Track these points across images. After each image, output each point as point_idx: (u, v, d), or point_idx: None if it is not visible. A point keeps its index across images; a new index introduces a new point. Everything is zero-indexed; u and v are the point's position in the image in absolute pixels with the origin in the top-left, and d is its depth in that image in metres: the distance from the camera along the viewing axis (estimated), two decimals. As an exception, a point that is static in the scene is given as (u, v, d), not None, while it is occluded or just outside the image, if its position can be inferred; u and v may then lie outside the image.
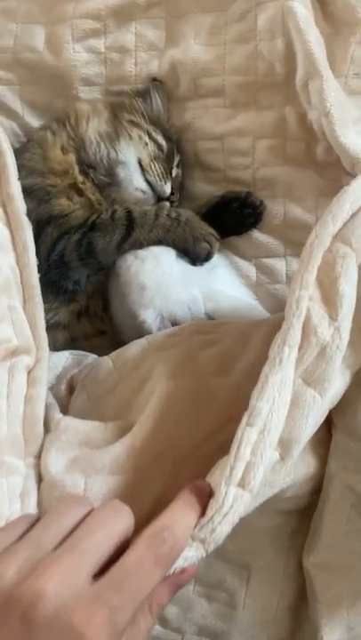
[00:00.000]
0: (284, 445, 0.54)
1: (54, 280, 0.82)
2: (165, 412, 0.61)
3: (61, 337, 0.86)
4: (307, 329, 0.55)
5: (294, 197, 0.91)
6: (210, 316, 0.80)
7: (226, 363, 0.65)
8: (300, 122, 0.89)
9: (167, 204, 0.89)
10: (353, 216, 0.59)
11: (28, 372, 0.70)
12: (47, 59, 0.93)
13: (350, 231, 0.58)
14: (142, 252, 0.81)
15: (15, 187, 0.77)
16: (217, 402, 0.62)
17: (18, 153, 0.90)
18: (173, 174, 0.91)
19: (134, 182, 0.88)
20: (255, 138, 0.91)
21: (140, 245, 0.82)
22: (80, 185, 0.87)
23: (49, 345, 0.77)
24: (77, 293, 0.85)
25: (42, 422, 0.66)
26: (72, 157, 0.88)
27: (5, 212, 0.75)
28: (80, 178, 0.87)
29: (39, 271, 0.81)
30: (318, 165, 0.90)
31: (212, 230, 0.86)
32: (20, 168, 0.86)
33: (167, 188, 0.89)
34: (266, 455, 0.51)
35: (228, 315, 0.81)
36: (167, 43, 0.92)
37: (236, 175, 0.92)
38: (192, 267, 0.84)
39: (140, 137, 0.90)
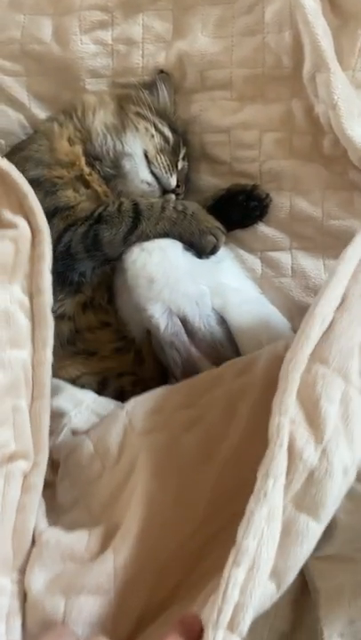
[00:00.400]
0: (280, 575, 0.52)
1: (60, 271, 0.82)
2: (149, 518, 0.59)
3: (66, 328, 0.86)
4: (292, 453, 0.53)
5: (300, 190, 0.91)
6: (217, 313, 0.79)
7: (210, 446, 0.62)
8: (307, 115, 0.89)
9: (173, 196, 0.89)
10: (326, 332, 0.57)
11: (24, 477, 0.67)
12: (54, 50, 0.93)
13: (327, 350, 0.56)
14: (149, 245, 0.81)
15: (47, 280, 0.74)
16: (202, 496, 0.60)
17: (25, 144, 0.91)
18: (179, 167, 0.92)
19: (140, 174, 0.88)
20: (262, 131, 0.91)
21: (147, 238, 0.82)
22: (87, 177, 0.88)
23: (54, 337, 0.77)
24: (83, 285, 0.85)
25: (31, 534, 0.64)
26: (79, 149, 0.89)
27: (31, 303, 0.73)
28: (87, 169, 0.88)
29: None
30: (325, 158, 0.90)
31: (218, 224, 0.86)
32: (26, 160, 0.86)
33: (173, 181, 0.89)
34: (256, 594, 0.49)
35: (235, 311, 0.80)
36: (174, 35, 0.92)
37: (243, 168, 0.92)
38: (198, 260, 0.83)
39: (146, 129, 0.90)
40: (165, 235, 0.82)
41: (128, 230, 0.81)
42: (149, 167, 0.88)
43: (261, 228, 0.93)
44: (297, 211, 0.91)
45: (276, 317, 0.85)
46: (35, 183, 0.83)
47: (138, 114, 0.91)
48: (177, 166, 0.91)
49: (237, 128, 0.91)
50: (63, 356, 0.85)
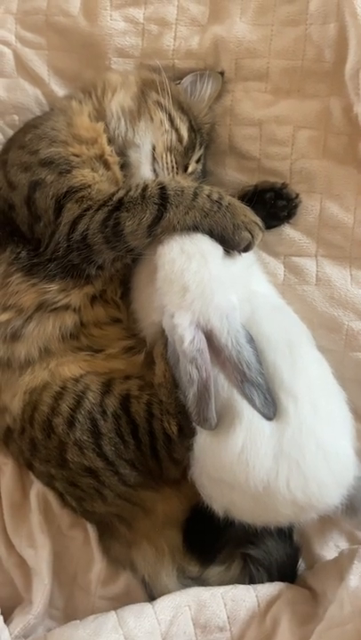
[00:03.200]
0: None
1: (76, 263, 0.77)
2: None
3: (70, 321, 0.81)
4: None
5: (332, 194, 0.87)
6: (246, 330, 0.73)
7: None
8: (345, 114, 0.86)
9: (203, 186, 0.78)
10: None
11: None
12: (81, 24, 0.89)
13: None
14: (190, 248, 0.74)
15: None
16: None
17: (39, 121, 0.86)
18: (190, 170, 0.87)
19: (142, 169, 0.83)
20: (296, 127, 0.87)
21: (174, 229, 0.75)
22: (108, 157, 0.82)
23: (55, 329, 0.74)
24: (98, 278, 0.80)
25: None
26: (101, 126, 0.84)
27: None
28: (108, 149, 0.83)
29: (58, 251, 0.76)
30: (359, 162, 0.86)
31: (256, 218, 0.77)
32: (40, 138, 0.81)
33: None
34: None
35: (264, 318, 0.75)
36: (210, 19, 0.89)
37: (273, 165, 0.89)
38: (232, 265, 0.77)
39: (161, 122, 0.85)
40: (195, 227, 0.75)
41: (153, 219, 0.74)
42: (153, 164, 0.83)
43: (287, 230, 0.89)
44: (327, 215, 0.87)
45: (300, 326, 0.81)
46: (47, 163, 0.78)
47: (157, 103, 0.86)
48: (186, 169, 0.86)
49: (270, 122, 0.88)
50: (63, 350, 0.80)
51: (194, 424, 0.72)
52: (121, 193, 0.76)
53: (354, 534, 0.86)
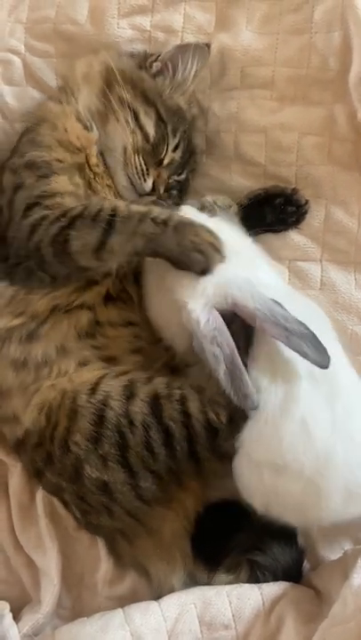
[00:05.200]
0: None
1: (31, 269, 0.79)
2: None
3: (85, 318, 0.82)
4: None
5: (337, 200, 0.90)
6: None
7: None
8: (349, 121, 0.89)
9: (155, 209, 0.77)
10: None
11: None
12: (89, 32, 0.93)
13: None
14: None
15: None
16: None
17: (33, 126, 0.87)
18: (165, 162, 0.87)
19: (117, 177, 0.85)
20: (301, 134, 0.90)
21: (118, 255, 0.74)
22: (91, 167, 0.84)
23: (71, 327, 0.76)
24: (108, 277, 0.80)
25: None
26: (94, 136, 0.85)
27: None
28: (95, 160, 0.84)
29: (19, 255, 0.79)
30: (364, 168, 0.89)
31: (211, 238, 0.74)
32: (30, 141, 0.84)
33: (147, 186, 0.85)
34: None
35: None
36: (217, 27, 0.92)
37: (278, 172, 0.91)
38: (236, 253, 0.79)
39: (127, 121, 0.85)
40: (137, 254, 0.75)
41: (98, 243, 0.74)
42: (125, 169, 0.84)
43: (292, 235, 0.92)
44: (332, 221, 0.90)
45: (320, 316, 0.83)
46: (30, 166, 0.80)
47: (120, 100, 0.85)
48: (161, 163, 0.86)
49: (275, 129, 0.91)
50: (80, 350, 0.81)
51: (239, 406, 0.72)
52: (77, 210, 0.76)
53: (359, 537, 0.88)
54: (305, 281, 0.91)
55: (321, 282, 0.91)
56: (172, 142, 0.88)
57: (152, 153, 0.86)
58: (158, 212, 0.76)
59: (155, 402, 0.75)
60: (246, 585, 0.80)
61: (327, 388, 0.73)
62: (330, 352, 0.71)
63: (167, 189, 0.88)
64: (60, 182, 0.81)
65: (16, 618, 0.85)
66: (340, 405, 0.72)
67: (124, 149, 0.84)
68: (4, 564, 0.92)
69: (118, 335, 0.84)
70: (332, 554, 0.87)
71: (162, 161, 0.87)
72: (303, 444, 0.71)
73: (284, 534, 0.82)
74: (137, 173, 0.84)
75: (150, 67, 0.89)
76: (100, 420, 0.75)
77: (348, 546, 0.87)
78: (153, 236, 0.73)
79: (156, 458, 0.74)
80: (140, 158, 0.84)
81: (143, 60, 0.89)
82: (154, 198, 0.85)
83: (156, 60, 0.89)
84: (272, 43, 0.89)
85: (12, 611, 0.85)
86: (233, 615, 0.77)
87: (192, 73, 0.89)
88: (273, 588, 0.79)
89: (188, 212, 0.83)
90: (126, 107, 0.85)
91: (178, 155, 0.88)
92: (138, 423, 0.74)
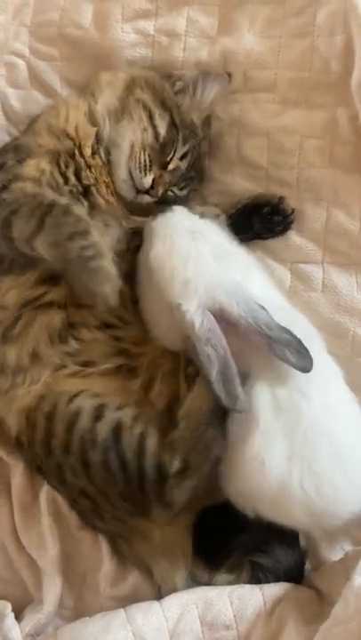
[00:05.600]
0: None
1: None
2: None
3: (57, 318, 0.81)
4: None
5: (338, 202, 0.91)
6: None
7: None
8: (351, 124, 0.89)
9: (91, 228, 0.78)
10: None
11: None
12: (93, 36, 0.93)
13: None
14: (177, 247, 0.79)
15: None
16: None
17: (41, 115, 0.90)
18: (170, 167, 0.87)
19: (119, 169, 0.86)
20: (303, 137, 0.91)
21: (46, 250, 0.75)
22: (87, 158, 0.84)
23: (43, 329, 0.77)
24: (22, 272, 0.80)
25: None
26: (93, 131, 0.86)
27: None
28: (89, 151, 0.85)
29: None
30: (365, 171, 0.89)
31: (105, 288, 0.74)
32: (30, 128, 0.88)
33: (146, 181, 0.85)
34: None
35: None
36: (219, 31, 0.93)
37: (280, 174, 0.92)
38: (227, 263, 0.81)
39: (140, 119, 0.87)
40: (52, 260, 0.75)
41: (31, 233, 0.75)
42: (128, 163, 0.85)
43: (294, 238, 0.92)
44: (333, 223, 0.91)
45: (309, 332, 0.83)
46: (15, 148, 0.83)
47: (138, 101, 0.88)
48: (165, 167, 0.87)
49: (278, 132, 0.91)
50: (52, 357, 0.81)
51: (226, 406, 0.73)
52: (25, 199, 0.78)
53: (360, 538, 0.89)
54: (307, 283, 0.92)
55: (323, 284, 0.91)
56: (181, 149, 0.88)
57: (159, 152, 0.87)
58: (92, 242, 0.75)
59: (117, 430, 0.77)
60: (248, 585, 0.80)
61: (289, 416, 0.74)
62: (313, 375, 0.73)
63: (164, 199, 0.87)
64: (29, 167, 0.82)
65: (18, 617, 0.85)
66: (301, 433, 0.73)
67: (132, 144, 0.85)
68: (5, 564, 0.93)
69: (95, 338, 0.83)
70: (333, 555, 0.88)
71: (167, 164, 0.87)
72: (260, 472, 0.74)
73: (287, 536, 0.83)
74: (139, 167, 0.85)
75: (173, 84, 0.91)
76: (70, 428, 0.77)
77: (348, 547, 0.88)
78: (71, 261, 0.74)
79: (116, 480, 0.76)
80: (146, 154, 0.85)
81: (167, 77, 0.92)
82: (150, 200, 0.86)
83: (179, 80, 0.91)
84: (275, 46, 0.90)
85: (13, 610, 0.85)
86: (234, 615, 0.77)
87: (210, 98, 0.91)
88: (274, 589, 0.80)
89: (181, 211, 0.84)
90: (144, 107, 0.87)
91: (184, 164, 0.89)
92: (99, 442, 0.76)
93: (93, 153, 0.86)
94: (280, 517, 0.77)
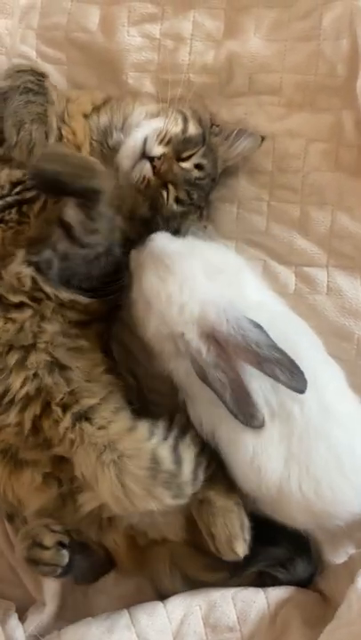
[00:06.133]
0: None
1: None
2: None
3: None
4: None
5: (343, 206, 0.91)
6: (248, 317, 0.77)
7: None
8: (357, 127, 0.90)
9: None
10: None
11: None
12: (99, 40, 0.94)
13: None
14: (164, 271, 0.78)
15: None
16: None
17: None
18: (184, 165, 0.85)
19: (133, 132, 0.85)
20: (308, 140, 0.91)
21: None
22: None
23: None
24: None
25: None
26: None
27: None
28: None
29: None
30: (371, 174, 0.90)
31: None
32: None
33: (157, 150, 0.82)
34: None
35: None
36: (225, 34, 0.93)
37: (285, 178, 0.92)
38: (217, 271, 0.81)
39: (174, 118, 0.86)
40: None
41: None
42: (146, 128, 0.85)
43: (299, 241, 0.93)
44: (338, 227, 0.91)
45: (304, 331, 0.83)
46: None
47: (178, 110, 0.88)
48: (179, 156, 0.85)
49: (283, 135, 0.92)
50: None
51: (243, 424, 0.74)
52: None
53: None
54: (312, 286, 0.92)
55: (327, 287, 0.92)
56: (200, 158, 0.87)
57: (180, 143, 0.85)
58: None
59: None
60: (251, 588, 0.81)
61: (282, 422, 0.74)
62: (308, 377, 0.72)
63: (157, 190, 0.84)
64: None
65: (21, 618, 0.86)
66: (296, 436, 0.74)
67: (157, 126, 0.85)
68: (6, 565, 0.93)
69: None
70: (336, 558, 0.88)
71: (182, 159, 0.86)
72: (257, 477, 0.75)
73: (308, 551, 0.84)
74: (157, 137, 0.83)
75: (211, 126, 0.92)
76: None
77: (352, 550, 0.88)
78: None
79: None
80: (168, 136, 0.84)
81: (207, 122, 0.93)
82: (148, 170, 0.83)
83: (217, 126, 0.92)
84: (280, 49, 0.91)
85: (17, 611, 0.86)
86: (238, 618, 0.78)
87: (238, 150, 0.91)
88: (278, 592, 0.80)
89: (162, 236, 0.83)
90: (180, 112, 0.88)
91: (195, 174, 0.86)
92: None
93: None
94: (280, 517, 0.78)
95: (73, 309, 0.82)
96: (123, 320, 0.92)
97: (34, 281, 0.79)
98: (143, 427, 0.77)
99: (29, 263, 0.79)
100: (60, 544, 0.82)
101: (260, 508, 0.78)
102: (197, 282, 0.78)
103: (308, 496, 0.73)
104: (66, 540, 0.82)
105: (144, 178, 0.83)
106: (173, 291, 0.76)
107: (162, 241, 0.82)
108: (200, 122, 0.90)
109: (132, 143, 0.84)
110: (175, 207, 0.86)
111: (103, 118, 0.88)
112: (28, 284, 0.79)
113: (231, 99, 0.94)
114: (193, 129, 0.88)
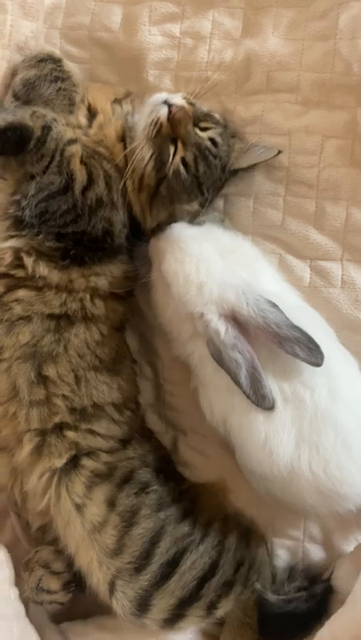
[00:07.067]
0: None
1: None
2: None
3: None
4: None
5: (357, 200, 0.93)
6: (266, 298, 0.80)
7: None
8: (372, 124, 0.92)
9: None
10: None
11: None
12: (121, 39, 0.97)
13: None
14: (181, 255, 0.82)
15: None
16: None
17: None
18: (198, 130, 0.86)
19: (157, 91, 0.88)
20: (324, 137, 0.94)
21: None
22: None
23: None
24: None
25: None
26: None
27: None
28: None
29: None
30: (385, 170, 0.92)
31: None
32: None
33: (178, 98, 0.85)
34: None
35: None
36: (243, 33, 0.96)
37: (301, 173, 0.95)
38: (233, 259, 0.85)
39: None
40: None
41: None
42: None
43: (314, 235, 0.95)
44: (352, 221, 0.93)
45: (320, 324, 0.86)
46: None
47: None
48: (197, 122, 0.87)
49: (299, 132, 0.94)
50: None
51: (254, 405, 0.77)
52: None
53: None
54: (326, 279, 0.94)
55: (342, 280, 0.94)
56: (217, 135, 0.88)
57: (201, 114, 0.88)
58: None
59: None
60: None
61: (294, 407, 0.78)
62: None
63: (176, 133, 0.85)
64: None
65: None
66: (306, 421, 0.77)
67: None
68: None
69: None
70: (346, 545, 0.91)
71: (199, 127, 0.87)
72: (269, 459, 0.78)
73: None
74: (181, 95, 0.86)
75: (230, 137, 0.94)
76: None
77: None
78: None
79: None
80: (191, 99, 0.87)
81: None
82: (164, 112, 0.83)
83: (235, 137, 0.95)
84: (298, 48, 0.93)
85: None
86: None
87: (254, 158, 0.93)
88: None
89: (180, 225, 0.87)
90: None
91: (209, 146, 0.87)
92: None
93: None
94: (290, 499, 0.81)
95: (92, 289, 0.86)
96: (142, 311, 0.96)
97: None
98: None
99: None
100: (66, 584, 0.87)
101: (271, 490, 0.81)
102: (212, 261, 0.82)
103: (318, 475, 0.76)
104: (70, 577, 0.86)
105: (157, 120, 0.84)
106: (190, 271, 0.80)
107: (179, 228, 0.86)
108: (222, 116, 0.93)
109: (154, 97, 0.86)
110: (181, 169, 0.85)
111: (126, 106, 0.92)
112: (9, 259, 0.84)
113: (249, 96, 0.97)
114: (213, 112, 0.91)
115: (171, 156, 0.85)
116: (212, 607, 0.80)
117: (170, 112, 0.83)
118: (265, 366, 0.77)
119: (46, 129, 0.82)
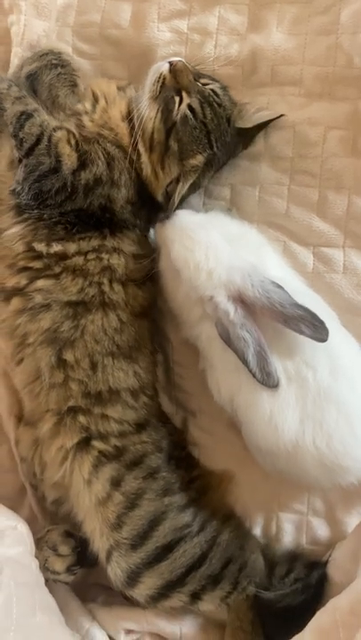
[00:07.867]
0: None
1: None
2: None
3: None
4: None
5: (359, 189, 0.97)
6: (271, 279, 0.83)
7: None
8: (373, 116, 0.95)
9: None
10: None
11: None
12: (131, 35, 1.01)
13: None
14: (189, 240, 0.85)
15: None
16: None
17: None
18: (202, 82, 0.91)
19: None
20: (327, 128, 0.97)
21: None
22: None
23: None
24: None
25: None
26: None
27: None
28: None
29: None
30: (386, 160, 0.95)
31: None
32: None
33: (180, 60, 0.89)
34: None
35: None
36: (249, 28, 1.00)
37: (304, 163, 0.99)
38: (240, 248, 0.88)
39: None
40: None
41: None
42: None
43: (317, 223, 0.99)
44: (354, 209, 0.97)
45: (323, 307, 0.90)
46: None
47: None
48: (197, 79, 0.91)
49: (303, 124, 0.98)
50: None
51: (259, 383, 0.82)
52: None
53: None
54: (329, 265, 0.98)
55: (344, 266, 0.98)
56: (217, 88, 0.92)
57: (200, 74, 0.93)
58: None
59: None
60: None
61: (298, 385, 0.82)
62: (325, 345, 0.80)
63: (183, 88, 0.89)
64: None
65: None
66: (310, 398, 0.81)
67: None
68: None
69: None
70: (349, 518, 0.95)
71: (200, 82, 0.91)
72: (274, 435, 0.82)
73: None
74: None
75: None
76: None
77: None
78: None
79: None
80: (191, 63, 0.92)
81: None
82: (166, 70, 0.88)
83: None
84: (301, 43, 0.97)
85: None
86: None
87: (256, 120, 0.95)
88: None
89: (185, 212, 0.91)
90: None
91: (212, 95, 0.91)
92: None
93: None
94: (295, 472, 0.85)
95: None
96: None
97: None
98: None
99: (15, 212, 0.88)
100: (70, 567, 0.94)
101: (277, 465, 0.86)
102: (220, 248, 0.85)
103: (321, 450, 0.81)
104: (74, 560, 0.94)
105: (160, 75, 0.89)
106: (200, 258, 0.84)
107: (185, 215, 0.90)
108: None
109: (155, 65, 0.91)
110: (188, 114, 0.88)
111: (129, 91, 0.97)
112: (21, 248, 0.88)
113: (255, 89, 1.01)
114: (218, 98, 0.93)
115: (177, 104, 0.89)
116: (195, 596, 0.86)
117: (171, 65, 0.89)
118: (270, 347, 0.81)
119: (25, 114, 0.88)
